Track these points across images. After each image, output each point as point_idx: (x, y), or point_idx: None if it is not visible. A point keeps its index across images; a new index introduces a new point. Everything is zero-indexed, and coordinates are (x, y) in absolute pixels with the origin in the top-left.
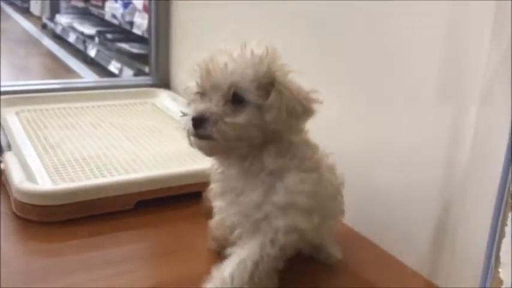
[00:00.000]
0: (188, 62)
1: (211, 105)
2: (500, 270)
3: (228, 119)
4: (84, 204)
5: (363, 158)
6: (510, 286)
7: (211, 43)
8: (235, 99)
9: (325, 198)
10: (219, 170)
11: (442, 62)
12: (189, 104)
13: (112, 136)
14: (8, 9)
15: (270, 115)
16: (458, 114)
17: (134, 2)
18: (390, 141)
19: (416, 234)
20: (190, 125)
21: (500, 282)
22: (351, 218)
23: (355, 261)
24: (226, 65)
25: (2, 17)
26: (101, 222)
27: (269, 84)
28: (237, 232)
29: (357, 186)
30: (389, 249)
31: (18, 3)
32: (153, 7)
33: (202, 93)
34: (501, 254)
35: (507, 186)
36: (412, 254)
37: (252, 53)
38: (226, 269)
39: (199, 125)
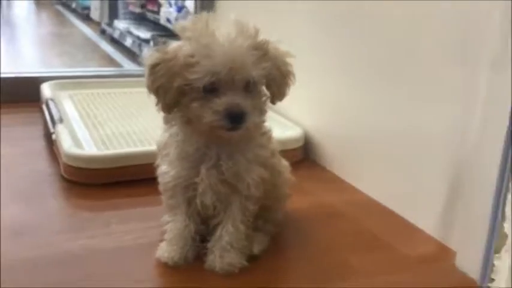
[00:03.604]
0: None
1: (240, 99)
2: (505, 225)
3: (261, 109)
4: (123, 170)
5: (380, 127)
6: None
7: None
8: (249, 87)
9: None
10: (180, 137)
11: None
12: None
13: (151, 117)
14: (70, 16)
15: (275, 86)
16: (469, 78)
17: (187, 5)
18: (404, 109)
19: (430, 198)
20: (224, 121)
21: (505, 237)
22: (365, 185)
23: (369, 225)
24: (248, 60)
25: (63, 23)
26: (138, 186)
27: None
28: (212, 197)
29: (372, 153)
30: (404, 214)
31: (79, 9)
32: (198, 7)
33: (214, 86)
34: (506, 209)
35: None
36: (426, 219)
37: (251, 37)
38: (225, 237)
39: (238, 120)
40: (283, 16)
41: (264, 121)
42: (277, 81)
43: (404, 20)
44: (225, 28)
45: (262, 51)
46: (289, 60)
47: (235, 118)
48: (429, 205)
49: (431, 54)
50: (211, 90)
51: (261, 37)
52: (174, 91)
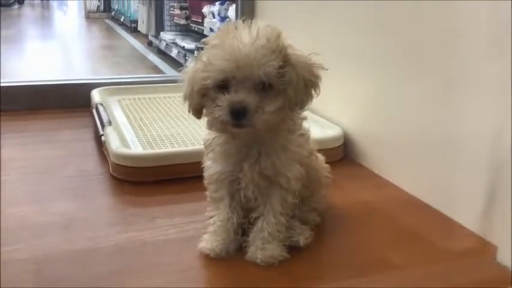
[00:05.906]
0: None
1: (245, 96)
2: None
3: (268, 108)
4: (167, 168)
5: (418, 123)
6: None
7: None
8: (262, 86)
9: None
10: (222, 139)
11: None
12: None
13: (193, 119)
14: (118, 29)
15: (292, 90)
16: (507, 72)
17: (230, 15)
18: (442, 105)
19: (470, 193)
20: (228, 116)
21: None
22: (404, 181)
23: (408, 221)
24: (255, 58)
25: (113, 36)
26: (181, 183)
27: (283, 62)
28: (254, 190)
29: (411, 150)
30: (444, 209)
31: (127, 23)
32: (239, 17)
33: (224, 84)
34: None
35: None
36: (466, 214)
37: (268, 39)
38: (266, 229)
39: (240, 116)
40: (319, 18)
41: (298, 121)
42: (295, 86)
43: (440, 14)
44: (244, 33)
45: (279, 54)
46: (317, 71)
47: (236, 114)
48: (469, 200)
49: (468, 49)
50: (223, 87)
51: (287, 42)
52: (196, 95)
